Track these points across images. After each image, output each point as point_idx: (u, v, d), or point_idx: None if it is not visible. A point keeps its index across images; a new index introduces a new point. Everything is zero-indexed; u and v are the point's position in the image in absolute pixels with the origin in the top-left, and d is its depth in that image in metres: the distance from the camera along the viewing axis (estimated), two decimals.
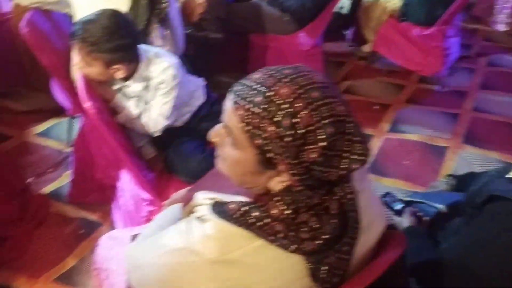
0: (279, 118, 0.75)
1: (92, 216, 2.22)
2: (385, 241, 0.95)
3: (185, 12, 3.05)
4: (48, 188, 2.34)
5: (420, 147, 2.60)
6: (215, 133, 0.90)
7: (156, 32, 1.95)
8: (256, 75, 0.83)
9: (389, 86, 3.34)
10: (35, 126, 2.70)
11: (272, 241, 0.81)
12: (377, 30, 3.31)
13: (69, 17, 2.05)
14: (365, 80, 3.40)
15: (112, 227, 2.14)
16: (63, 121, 2.68)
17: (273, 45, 2.92)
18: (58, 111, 2.68)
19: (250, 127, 0.78)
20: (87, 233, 2.15)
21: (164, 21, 1.96)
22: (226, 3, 2.92)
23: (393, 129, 2.78)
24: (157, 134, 1.77)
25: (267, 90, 0.78)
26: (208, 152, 1.84)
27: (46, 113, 2.77)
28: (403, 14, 3.17)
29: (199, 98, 1.97)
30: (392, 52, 3.30)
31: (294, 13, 2.85)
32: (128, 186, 1.97)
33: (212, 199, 0.96)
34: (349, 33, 3.78)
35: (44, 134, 2.66)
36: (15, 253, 2.00)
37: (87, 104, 1.49)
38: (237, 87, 0.83)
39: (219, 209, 0.87)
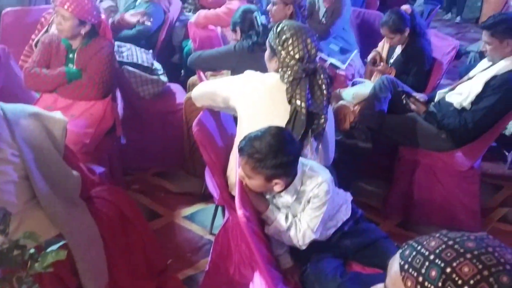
0: None
1: None
2: None
3: (337, 118, 3.14)
4: (184, 273, 2.43)
5: None
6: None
7: (309, 145, 2.00)
8: (433, 243, 0.76)
9: None
10: (183, 209, 2.89)
11: None
12: None
13: (234, 119, 2.22)
14: None
15: None
16: (209, 207, 2.83)
17: (424, 161, 2.79)
18: (206, 197, 2.86)
19: None
20: None
21: (320, 135, 2.01)
22: (380, 114, 2.91)
23: None
24: (303, 248, 1.75)
25: (445, 265, 0.71)
26: (348, 276, 1.76)
27: (195, 197, 2.97)
28: None
29: (346, 213, 1.93)
30: None
31: (452, 131, 2.72)
32: None
33: None
34: (510, 155, 3.48)
35: (189, 217, 2.83)
36: None
37: (239, 212, 1.55)
38: (408, 252, 0.77)
39: None
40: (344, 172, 2.94)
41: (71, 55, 2.58)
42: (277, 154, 1.62)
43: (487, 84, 2.59)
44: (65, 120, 1.71)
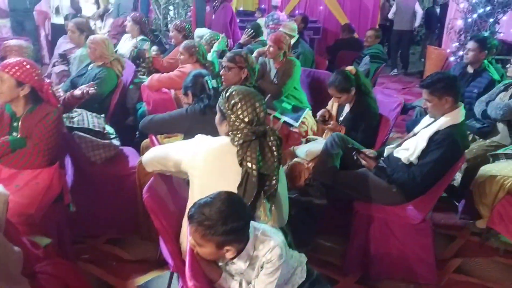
0: None
1: None
2: None
3: (292, 175, 3.17)
4: None
5: None
6: None
7: (262, 207, 1.99)
8: None
9: (508, 268, 3.01)
10: (137, 277, 2.77)
11: None
12: (492, 207, 3.11)
13: (187, 182, 2.20)
14: (479, 259, 3.11)
15: None
16: (165, 274, 2.73)
17: (378, 216, 2.83)
18: (162, 263, 2.75)
19: None
20: None
21: (272, 197, 2.01)
22: (332, 171, 2.96)
23: None
24: None
25: None
26: None
27: (150, 264, 2.86)
28: None
29: (301, 275, 1.90)
30: (511, 231, 3.03)
31: (402, 186, 2.79)
32: None
33: None
34: (460, 205, 3.59)
35: (144, 287, 2.71)
36: None
37: (190, 283, 1.51)
38: None
39: None
40: (301, 229, 2.95)
41: (15, 124, 2.51)
42: (227, 220, 1.61)
43: (431, 139, 2.70)
44: (6, 194, 1.64)
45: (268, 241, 1.72)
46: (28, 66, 2.49)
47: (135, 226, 3.09)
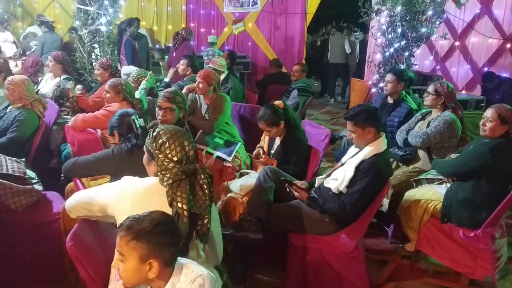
0: None
1: None
2: None
3: (226, 211, 3.14)
4: None
5: None
6: None
7: (195, 248, 1.95)
8: None
9: None
10: None
11: None
12: (419, 230, 3.25)
13: (114, 226, 2.10)
14: (411, 281, 3.21)
15: None
16: None
17: (312, 246, 2.86)
18: None
19: None
20: None
21: (205, 236, 1.97)
22: (266, 204, 2.97)
23: None
24: None
25: None
26: None
27: None
28: (445, 216, 3.12)
29: None
30: (437, 252, 3.18)
31: (334, 215, 2.86)
32: None
33: None
34: (390, 230, 3.71)
35: None
36: None
37: None
38: None
39: None
40: (237, 266, 2.91)
41: None
42: (157, 227, 1.60)
43: (357, 169, 2.80)
44: None
45: (191, 273, 1.67)
46: None
47: (61, 276, 2.89)
